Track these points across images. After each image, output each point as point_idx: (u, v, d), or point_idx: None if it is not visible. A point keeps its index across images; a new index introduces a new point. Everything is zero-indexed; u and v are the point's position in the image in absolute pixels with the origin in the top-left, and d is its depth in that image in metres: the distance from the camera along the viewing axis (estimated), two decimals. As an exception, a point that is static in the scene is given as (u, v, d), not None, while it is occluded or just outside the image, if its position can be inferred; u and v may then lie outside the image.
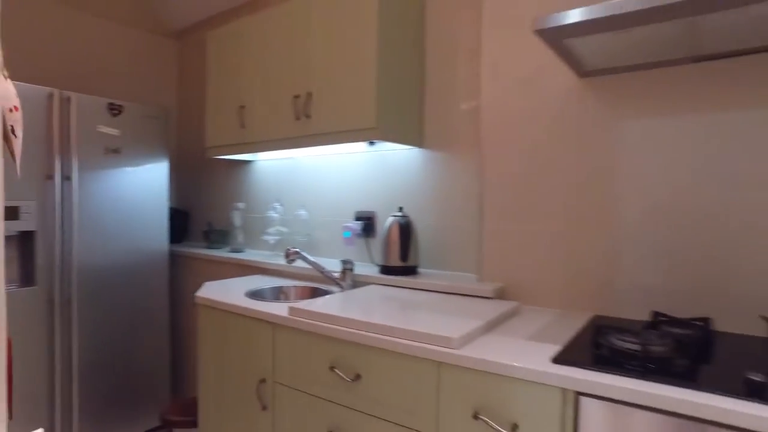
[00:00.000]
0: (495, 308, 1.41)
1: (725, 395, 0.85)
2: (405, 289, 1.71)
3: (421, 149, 1.91)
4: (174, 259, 2.70)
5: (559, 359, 1.03)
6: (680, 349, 1.03)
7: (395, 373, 1.21)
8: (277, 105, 1.99)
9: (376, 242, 2.05)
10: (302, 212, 2.29)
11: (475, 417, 1.08)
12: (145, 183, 2.39)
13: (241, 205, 2.50)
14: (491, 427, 1.05)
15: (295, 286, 1.96)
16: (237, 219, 2.49)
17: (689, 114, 1.30)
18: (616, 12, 0.99)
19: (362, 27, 1.70)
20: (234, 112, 2.18)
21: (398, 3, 1.76)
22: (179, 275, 2.70)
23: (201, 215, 2.91)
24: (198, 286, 2.60)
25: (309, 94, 1.87)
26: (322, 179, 2.25)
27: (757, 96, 1.21)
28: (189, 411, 1.93)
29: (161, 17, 2.95)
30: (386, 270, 1.83)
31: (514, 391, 1.03)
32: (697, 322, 1.19)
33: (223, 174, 2.76)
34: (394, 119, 1.75)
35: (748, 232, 1.22)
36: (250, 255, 2.36)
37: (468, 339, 1.16)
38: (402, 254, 1.81)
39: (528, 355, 1.07)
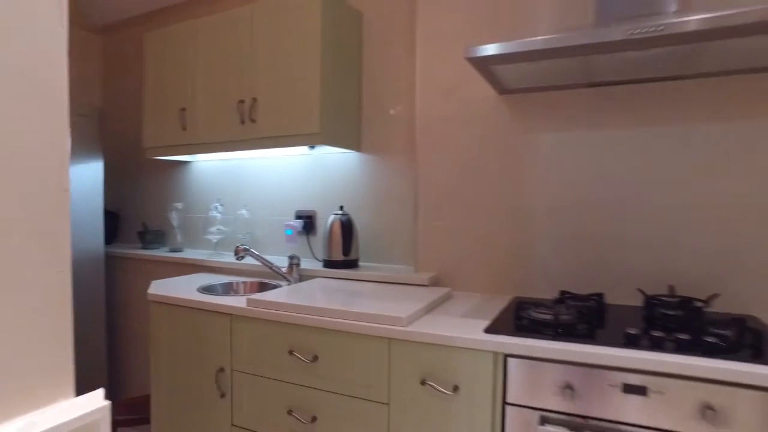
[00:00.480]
0: (431, 293, 1.62)
1: (612, 346, 1.12)
2: (349, 281, 1.88)
3: (358, 153, 2.08)
4: (109, 260, 2.64)
5: (489, 330, 1.25)
6: (581, 317, 1.30)
7: (350, 352, 1.37)
8: (221, 109, 2.07)
9: (317, 239, 2.19)
10: (243, 212, 2.37)
11: (423, 383, 1.28)
12: (79, 183, 2.33)
13: (179, 205, 2.52)
14: (437, 390, 1.26)
15: (243, 282, 2.05)
16: (175, 219, 2.50)
17: (585, 130, 1.60)
18: (527, 49, 1.24)
19: (306, 39, 1.83)
20: (175, 114, 2.21)
21: (338, 17, 1.92)
22: (114, 276, 2.65)
23: (132, 216, 2.86)
24: (135, 286, 2.57)
25: (254, 100, 1.97)
26: (262, 180, 2.34)
27: (632, 118, 1.53)
28: (135, 410, 1.95)
29: (85, 11, 2.85)
30: (330, 264, 1.99)
31: (455, 358, 1.24)
32: (594, 297, 1.48)
33: (157, 174, 2.74)
34: (335, 125, 1.91)
35: (628, 224, 1.54)
36: (191, 254, 2.39)
37: (413, 318, 1.36)
38: (344, 249, 1.98)
39: (464, 328, 1.29)
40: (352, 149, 2.04)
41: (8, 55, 0.55)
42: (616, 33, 1.15)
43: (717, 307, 1.43)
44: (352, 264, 1.99)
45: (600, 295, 1.49)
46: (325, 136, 1.85)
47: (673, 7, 1.29)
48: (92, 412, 0.59)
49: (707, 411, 1.01)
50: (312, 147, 2.01)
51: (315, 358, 1.42)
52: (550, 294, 1.65)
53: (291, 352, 1.46)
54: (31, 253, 0.57)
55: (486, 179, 1.75)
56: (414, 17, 1.94)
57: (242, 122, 2.00)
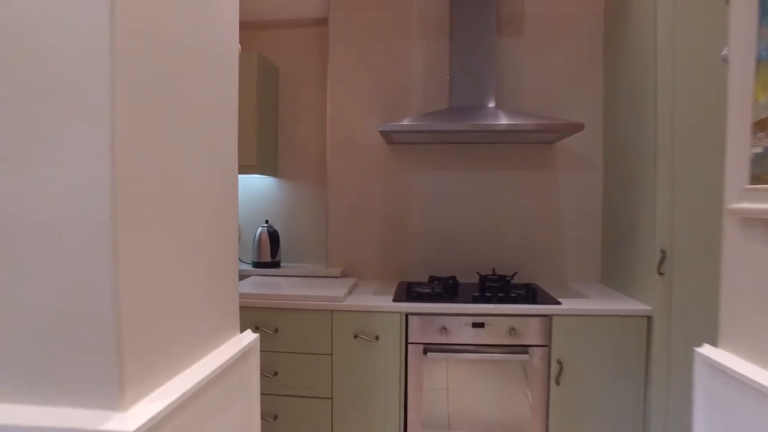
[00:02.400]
0: (346, 282, 2.33)
1: (465, 303, 1.97)
2: (279, 276, 2.48)
3: (276, 178, 2.68)
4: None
5: (395, 299, 2.02)
6: (445, 289, 2.14)
7: (303, 323, 2.01)
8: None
9: (242, 246, 2.72)
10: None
11: (355, 337, 1.98)
12: None
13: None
14: (365, 340, 1.97)
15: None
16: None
17: (441, 170, 2.47)
18: (412, 129, 2.04)
19: (245, 91, 2.38)
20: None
21: (264, 72, 2.50)
22: None
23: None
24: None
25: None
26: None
27: (468, 164, 2.45)
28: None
29: None
30: (259, 265, 2.55)
31: (375, 319, 1.97)
32: (450, 278, 2.34)
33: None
34: (265, 158, 2.49)
35: (467, 229, 2.45)
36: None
37: (345, 296, 2.06)
38: (272, 253, 2.56)
39: (378, 300, 2.03)
40: (272, 176, 2.63)
41: (219, 99, 1.11)
42: (456, 125, 2.02)
43: (517, 279, 2.41)
44: (276, 264, 2.58)
45: (454, 277, 2.36)
46: (259, 167, 2.42)
47: (492, 103, 2.23)
48: (251, 341, 1.18)
49: (512, 331, 1.92)
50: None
51: (276, 330, 2.02)
52: (423, 278, 2.48)
53: (256, 328, 2.03)
54: (218, 231, 1.13)
55: (377, 200, 2.52)
56: (322, 74, 2.61)
57: (183, 152, 2.44)
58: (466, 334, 1.95)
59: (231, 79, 1.14)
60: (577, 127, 2.00)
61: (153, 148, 0.81)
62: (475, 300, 2.01)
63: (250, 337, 1.20)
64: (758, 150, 0.91)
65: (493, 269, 2.43)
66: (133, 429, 0.68)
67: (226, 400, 1.03)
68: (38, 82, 0.71)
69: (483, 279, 2.25)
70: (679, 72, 1.80)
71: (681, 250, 1.81)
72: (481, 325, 1.94)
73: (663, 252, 1.82)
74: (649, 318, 1.88)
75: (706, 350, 1.08)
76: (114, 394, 0.73)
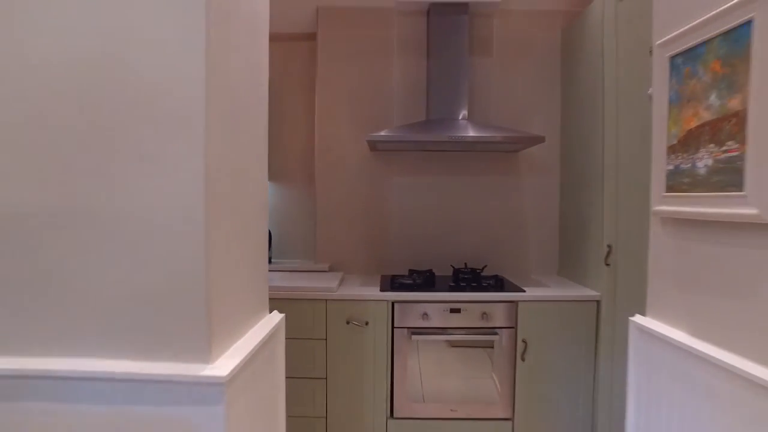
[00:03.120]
0: (335, 276, 2.58)
1: (443, 291, 2.26)
2: (273, 272, 2.70)
3: (268, 182, 2.89)
4: None
5: (382, 289, 2.29)
6: (425, 280, 2.42)
7: (300, 311, 2.24)
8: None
9: (234, 244, 2.92)
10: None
11: (347, 323, 2.24)
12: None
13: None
14: (356, 325, 2.23)
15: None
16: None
17: (419, 175, 2.76)
18: (395, 139, 2.31)
19: (241, 102, 2.59)
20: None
21: (261, 88, 2.71)
22: None
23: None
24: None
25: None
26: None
27: (444, 170, 2.75)
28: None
29: None
30: (252, 261, 2.76)
31: (366, 307, 2.23)
32: (428, 271, 2.62)
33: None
34: (261, 163, 2.70)
35: (443, 228, 2.75)
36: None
37: (337, 287, 2.31)
38: (264, 250, 2.78)
39: (367, 290, 2.29)
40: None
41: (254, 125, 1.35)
42: (433, 136, 2.31)
43: (486, 271, 2.72)
44: (269, 261, 2.80)
45: (431, 270, 2.64)
46: (252, 170, 2.63)
47: (464, 116, 2.53)
48: (279, 321, 1.42)
49: (484, 315, 2.23)
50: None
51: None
52: (402, 271, 2.76)
53: (257, 317, 2.25)
54: (257, 225, 1.37)
55: (361, 201, 2.78)
56: (310, 84, 2.85)
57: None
58: (444, 319, 2.24)
59: (263, 106, 1.38)
60: (539, 140, 2.33)
61: (225, 162, 1.05)
62: (452, 289, 2.30)
63: (278, 317, 1.45)
64: (671, 167, 1.24)
65: (465, 263, 2.74)
66: (225, 374, 0.93)
67: (265, 366, 1.28)
68: (152, 117, 0.94)
69: (456, 271, 2.54)
70: (622, 95, 2.15)
71: (623, 244, 2.17)
72: (457, 310, 2.24)
73: (609, 246, 2.17)
74: (598, 302, 2.23)
75: (637, 318, 1.41)
76: (204, 351, 0.96)
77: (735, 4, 1.01)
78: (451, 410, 2.26)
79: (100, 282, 0.96)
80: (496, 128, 2.45)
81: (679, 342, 1.18)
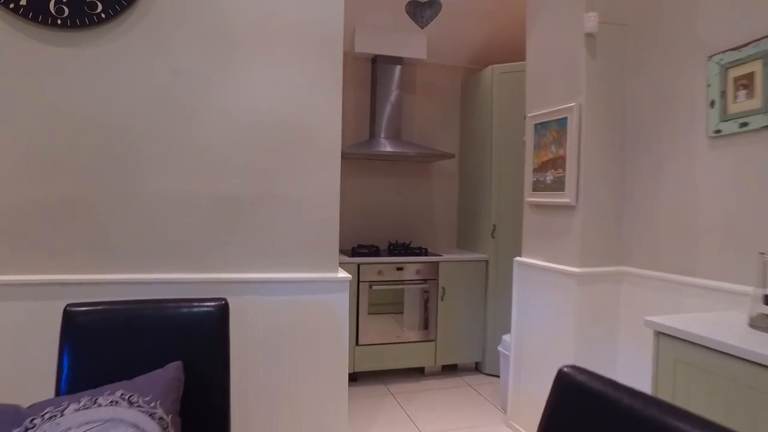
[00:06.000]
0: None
1: (387, 257, 3.35)
2: (256, 248, 3.52)
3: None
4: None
5: (351, 255, 3.29)
6: (375, 251, 3.48)
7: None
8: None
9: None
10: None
11: (328, 280, 3.20)
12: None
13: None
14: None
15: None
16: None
17: (367, 177, 3.81)
18: (363, 152, 3.34)
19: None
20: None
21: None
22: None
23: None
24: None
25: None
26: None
27: (385, 173, 3.83)
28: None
29: None
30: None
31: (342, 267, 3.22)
32: (373, 245, 3.67)
33: None
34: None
35: (383, 215, 3.84)
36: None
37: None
38: (247, 232, 3.59)
39: (340, 257, 3.28)
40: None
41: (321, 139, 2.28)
42: (376, 151, 3.39)
43: (413, 245, 3.86)
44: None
45: (375, 245, 3.70)
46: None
47: (397, 135, 3.65)
48: (347, 275, 2.36)
49: (418, 272, 3.36)
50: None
51: (276, 278, 3.12)
52: (355, 246, 3.78)
53: (263, 278, 3.10)
54: (322, 212, 2.29)
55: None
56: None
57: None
58: (393, 275, 3.33)
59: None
60: (449, 156, 3.53)
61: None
62: (398, 254, 3.40)
63: (345, 273, 2.40)
64: (534, 179, 2.48)
65: (396, 240, 3.86)
66: (345, 276, 1.90)
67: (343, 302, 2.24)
68: (309, 149, 1.88)
69: (392, 245, 3.64)
70: (504, 130, 3.44)
71: (502, 225, 3.46)
72: (401, 268, 3.34)
73: (494, 225, 3.45)
74: (487, 261, 3.50)
75: (518, 258, 2.65)
76: (334, 268, 1.93)
77: (561, 109, 2.26)
78: (397, 336, 3.36)
79: (283, 234, 1.87)
80: (419, 146, 3.60)
81: (537, 263, 2.43)
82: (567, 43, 2.29)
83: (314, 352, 1.92)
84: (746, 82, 1.72)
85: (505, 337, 2.93)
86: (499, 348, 2.97)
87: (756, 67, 1.68)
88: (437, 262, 3.43)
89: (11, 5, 1.56)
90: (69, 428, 0.99)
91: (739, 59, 1.74)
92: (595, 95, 2.19)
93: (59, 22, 1.61)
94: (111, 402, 1.06)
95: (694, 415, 0.64)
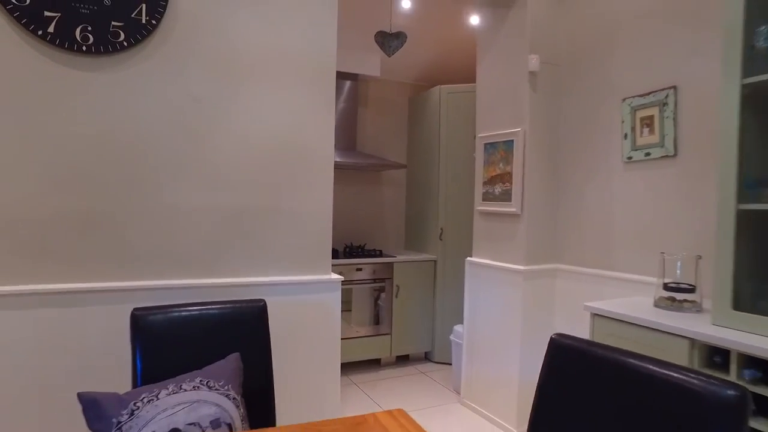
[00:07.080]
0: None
1: (348, 258, 3.66)
2: (219, 253, 3.66)
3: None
4: None
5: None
6: (358, 251, 3.76)
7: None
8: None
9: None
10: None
11: (294, 281, 3.44)
12: None
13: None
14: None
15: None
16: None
17: (340, 185, 4.08)
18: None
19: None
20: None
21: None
22: None
23: None
24: None
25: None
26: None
27: (342, 181, 4.12)
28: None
29: None
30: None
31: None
32: (361, 247, 3.94)
33: None
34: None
35: (341, 220, 4.12)
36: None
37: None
38: (210, 237, 3.71)
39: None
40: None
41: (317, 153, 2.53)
42: (337, 161, 3.69)
43: (367, 247, 4.18)
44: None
45: (336, 249, 3.97)
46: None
47: (354, 147, 3.96)
48: (338, 277, 2.61)
49: (375, 272, 3.70)
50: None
51: (246, 281, 3.30)
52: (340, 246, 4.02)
53: (233, 281, 3.27)
54: (317, 221, 2.54)
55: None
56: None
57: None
58: (352, 275, 3.63)
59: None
60: (401, 166, 3.90)
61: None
62: (355, 256, 3.70)
63: (336, 276, 2.65)
64: (484, 190, 2.92)
65: (351, 243, 4.16)
66: (336, 277, 2.19)
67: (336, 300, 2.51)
68: (306, 165, 2.14)
69: (347, 247, 3.94)
70: (450, 143, 3.87)
71: (450, 228, 3.89)
72: (360, 269, 3.66)
73: (442, 228, 3.88)
74: (435, 261, 3.92)
75: (469, 258, 3.07)
76: (327, 271, 2.20)
77: (509, 132, 2.71)
78: (357, 331, 3.67)
79: (283, 241, 2.11)
80: (372, 157, 3.94)
81: (485, 262, 2.86)
82: (513, 78, 2.74)
83: (312, 344, 2.19)
84: (649, 122, 2.25)
85: (457, 327, 3.35)
86: (451, 337, 3.39)
87: (655, 111, 2.22)
88: (392, 263, 3.78)
89: (40, 32, 1.68)
90: (166, 408, 1.21)
91: (643, 104, 2.27)
92: (536, 122, 2.66)
93: (84, 48, 1.75)
94: (194, 387, 1.28)
95: (656, 359, 1.03)
